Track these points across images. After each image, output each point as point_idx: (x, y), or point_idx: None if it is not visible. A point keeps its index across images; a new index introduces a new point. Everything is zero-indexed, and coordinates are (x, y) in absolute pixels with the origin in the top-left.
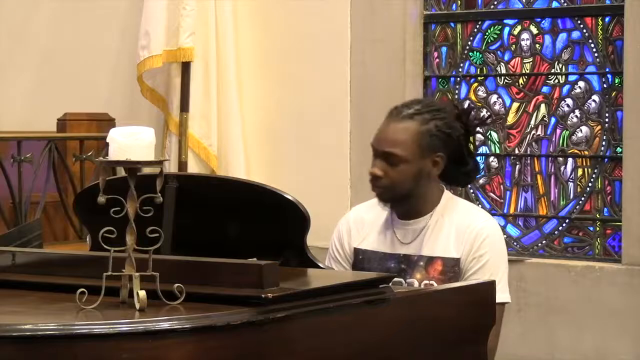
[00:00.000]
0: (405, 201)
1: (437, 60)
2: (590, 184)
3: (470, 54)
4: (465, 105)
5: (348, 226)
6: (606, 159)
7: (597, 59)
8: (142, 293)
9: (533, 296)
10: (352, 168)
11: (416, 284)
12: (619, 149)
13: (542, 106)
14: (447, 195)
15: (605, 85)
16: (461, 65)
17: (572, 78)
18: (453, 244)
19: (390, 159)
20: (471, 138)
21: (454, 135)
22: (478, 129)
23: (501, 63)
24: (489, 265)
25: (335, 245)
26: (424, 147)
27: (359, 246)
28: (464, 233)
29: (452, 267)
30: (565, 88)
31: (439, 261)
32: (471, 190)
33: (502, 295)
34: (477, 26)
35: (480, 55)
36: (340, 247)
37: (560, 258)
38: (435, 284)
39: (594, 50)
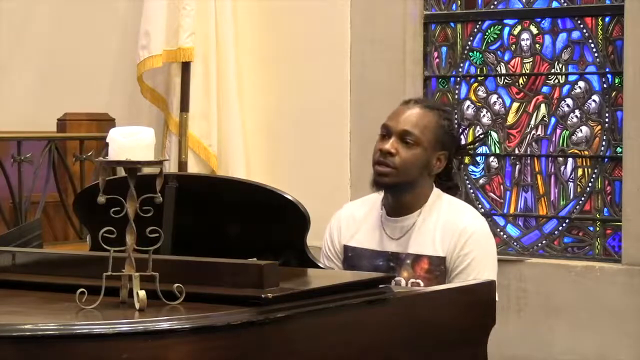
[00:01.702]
0: (401, 192)
1: (437, 60)
2: (590, 184)
3: (470, 54)
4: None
5: (339, 223)
6: (606, 159)
7: (597, 59)
8: (142, 293)
9: (533, 296)
10: (352, 168)
11: (403, 283)
12: (619, 149)
13: (542, 106)
14: (435, 192)
15: (605, 85)
16: (461, 65)
17: (572, 78)
18: (439, 242)
19: (408, 139)
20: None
21: (455, 141)
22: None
23: (501, 63)
24: (475, 264)
25: (327, 242)
26: (438, 139)
27: (348, 243)
28: (449, 231)
29: (438, 266)
30: (565, 88)
31: (425, 259)
32: (471, 190)
33: None
34: (477, 26)
35: (480, 55)
36: (331, 244)
37: (560, 258)
38: (421, 283)
39: (594, 50)
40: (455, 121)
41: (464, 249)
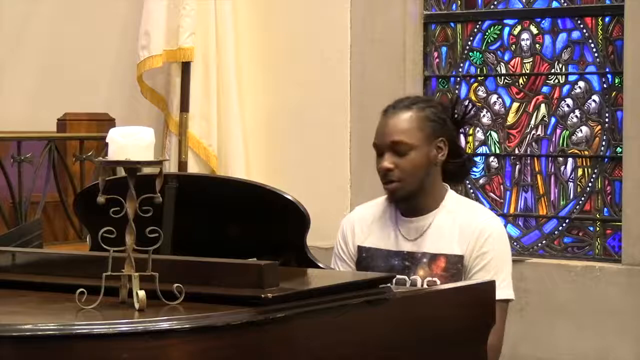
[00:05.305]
0: (415, 197)
1: (437, 60)
2: (590, 184)
3: (470, 54)
4: (454, 98)
5: (352, 224)
6: (606, 159)
7: (597, 59)
8: (142, 293)
9: (533, 296)
10: (352, 168)
11: (419, 281)
12: (619, 149)
13: (542, 106)
14: (451, 193)
15: (605, 85)
16: (461, 65)
17: (572, 78)
18: (457, 241)
19: (399, 148)
20: (461, 132)
21: (447, 123)
22: (470, 125)
23: (501, 63)
24: (493, 263)
25: (340, 245)
26: (427, 132)
27: (362, 244)
28: (467, 231)
29: (455, 264)
30: (565, 88)
31: (442, 258)
32: (471, 190)
33: (507, 292)
34: (477, 26)
35: (480, 55)
36: (344, 245)
37: (560, 258)
38: (438, 281)
39: (594, 50)
40: (439, 106)
41: (483, 248)
